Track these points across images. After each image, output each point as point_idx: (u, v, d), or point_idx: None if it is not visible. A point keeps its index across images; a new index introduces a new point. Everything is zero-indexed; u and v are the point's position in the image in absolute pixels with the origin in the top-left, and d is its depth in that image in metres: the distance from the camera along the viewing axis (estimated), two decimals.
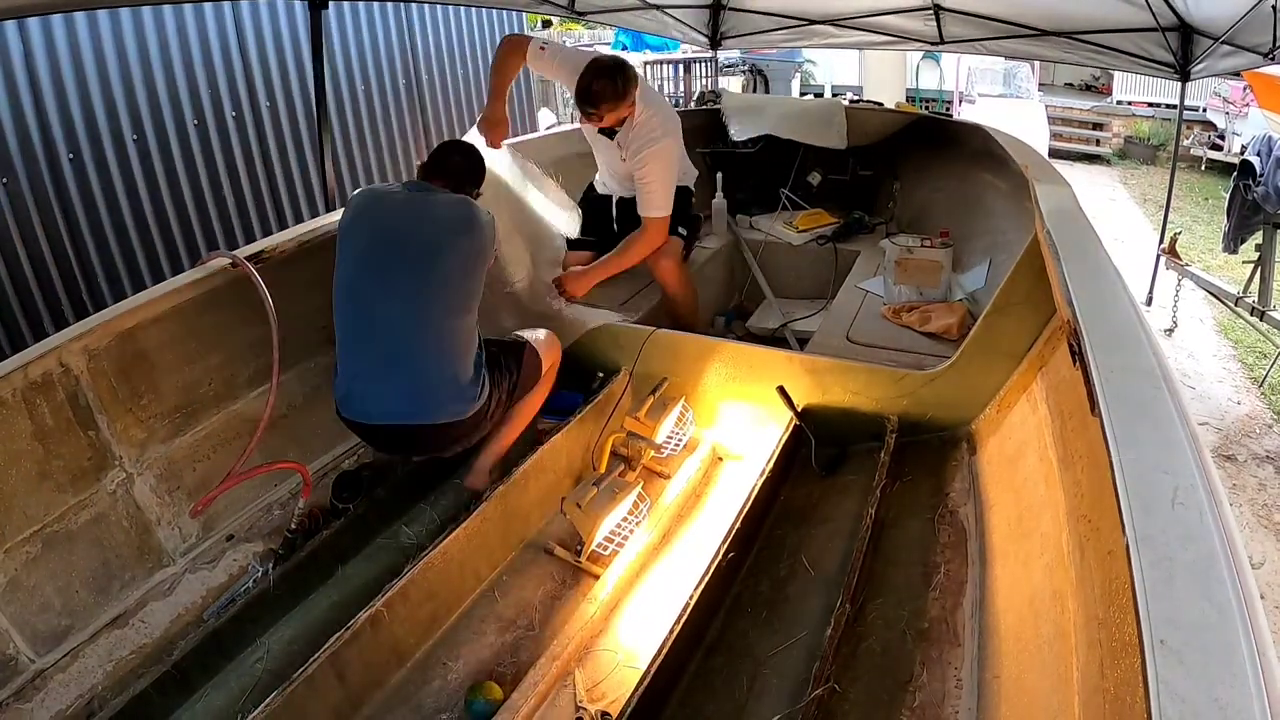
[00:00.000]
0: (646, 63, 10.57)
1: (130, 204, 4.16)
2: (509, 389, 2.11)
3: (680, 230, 2.93)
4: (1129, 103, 11.73)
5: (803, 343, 2.83)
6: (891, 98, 8.27)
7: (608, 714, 1.56)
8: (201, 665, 1.71)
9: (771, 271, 3.52)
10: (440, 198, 2.02)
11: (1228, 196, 4.92)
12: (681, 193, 2.90)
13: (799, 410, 2.28)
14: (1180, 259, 5.05)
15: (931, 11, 5.19)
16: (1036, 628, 1.30)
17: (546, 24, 12.85)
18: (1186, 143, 9.76)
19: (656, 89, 10.62)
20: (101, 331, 1.82)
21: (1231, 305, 4.63)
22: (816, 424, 2.29)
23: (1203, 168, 10.01)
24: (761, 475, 2.01)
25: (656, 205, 2.71)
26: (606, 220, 3.01)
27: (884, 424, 2.19)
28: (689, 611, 1.58)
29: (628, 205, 2.94)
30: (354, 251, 1.95)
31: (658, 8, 5.62)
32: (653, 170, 2.68)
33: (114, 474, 1.86)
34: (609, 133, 2.74)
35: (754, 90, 10.86)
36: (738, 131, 3.93)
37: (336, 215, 2.40)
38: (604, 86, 2.49)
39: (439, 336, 1.93)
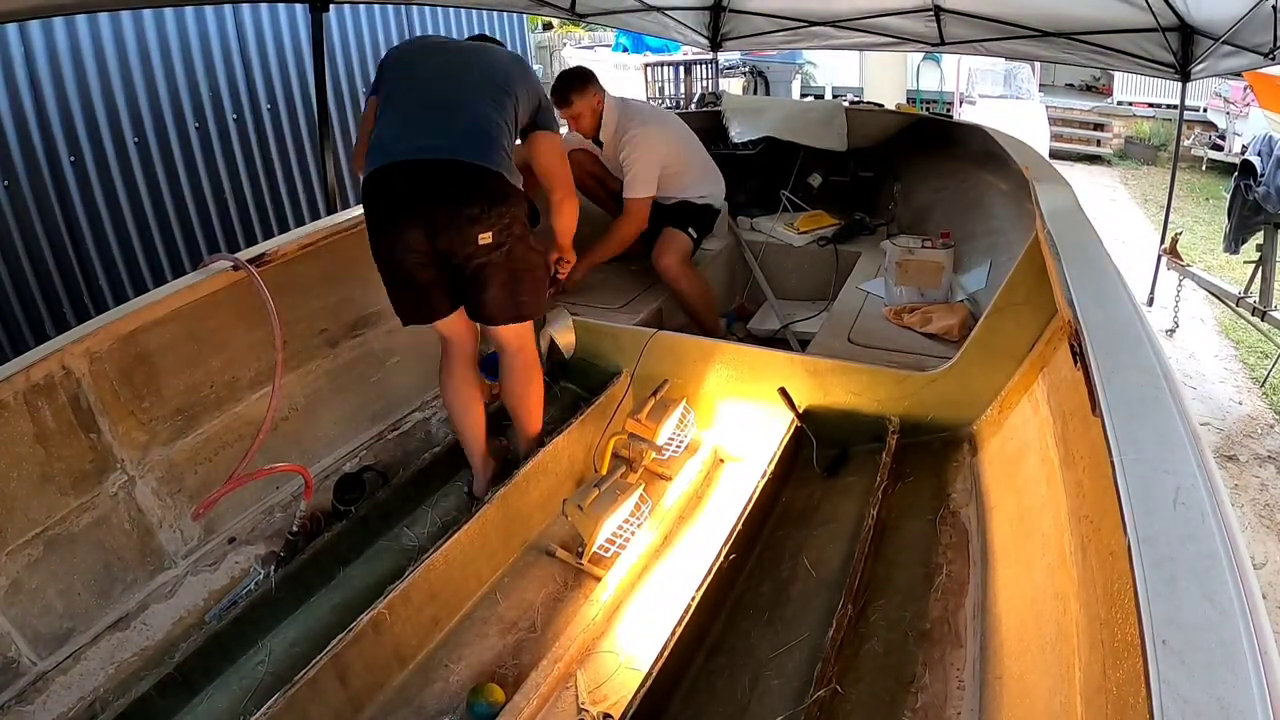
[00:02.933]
0: (647, 64, 10.59)
1: (131, 206, 4.17)
2: (528, 234, 2.04)
3: (691, 231, 3.03)
4: (1129, 103, 11.74)
5: (804, 344, 2.83)
6: (892, 99, 8.27)
7: (610, 716, 1.56)
8: (203, 667, 1.71)
9: (772, 273, 3.52)
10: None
11: (1228, 197, 4.91)
12: (706, 211, 3.13)
13: (800, 411, 2.28)
14: (1181, 259, 5.05)
15: (932, 13, 5.20)
16: (1038, 628, 1.30)
17: (547, 26, 12.87)
18: (1187, 143, 9.76)
19: (657, 90, 10.66)
20: (103, 334, 1.82)
21: (1233, 305, 4.62)
22: (818, 425, 2.29)
23: (1203, 168, 10.01)
24: (763, 477, 2.01)
25: (636, 187, 2.88)
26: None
27: (885, 425, 2.18)
28: (691, 613, 1.58)
29: (658, 207, 3.04)
30: (402, 70, 2.05)
31: (658, 9, 5.63)
32: (633, 154, 2.87)
33: (116, 477, 1.86)
34: (598, 142, 2.97)
35: (754, 92, 10.87)
36: (738, 133, 3.93)
37: (337, 217, 2.41)
38: (561, 83, 2.86)
39: (486, 115, 1.96)
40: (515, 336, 2.11)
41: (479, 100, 1.97)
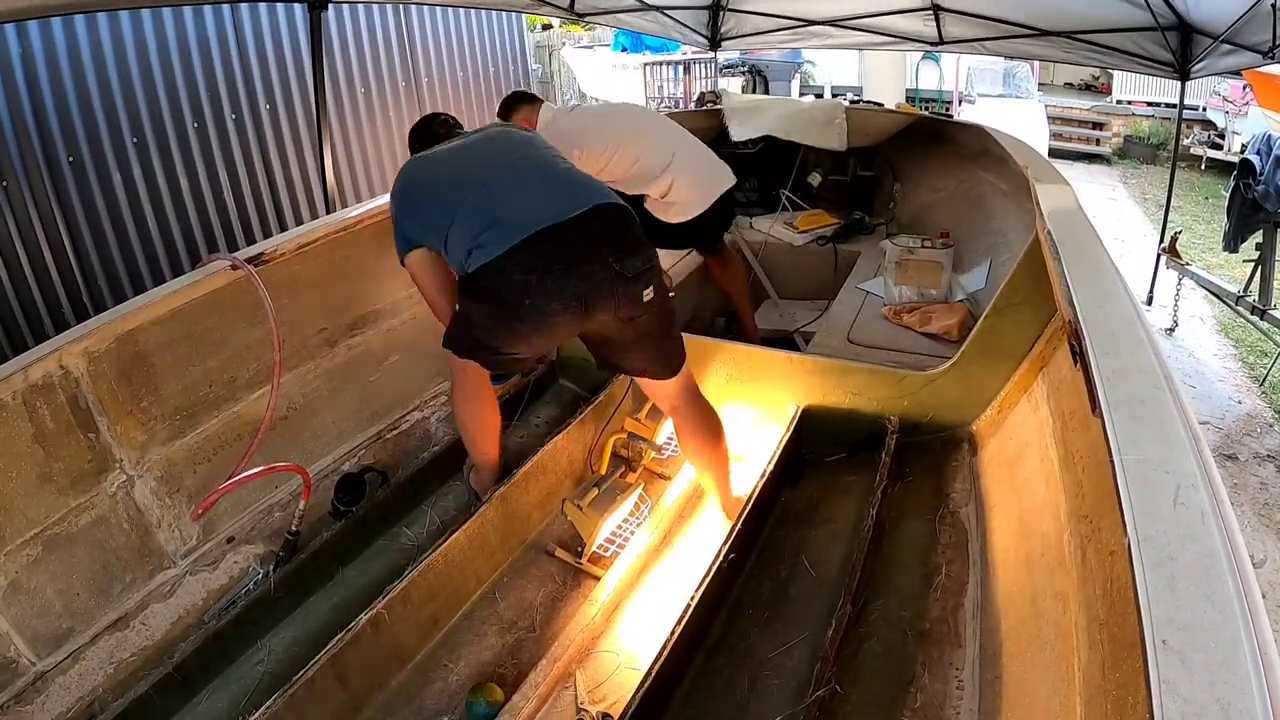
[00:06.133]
0: (646, 64, 10.59)
1: (130, 206, 4.17)
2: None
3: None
4: (1129, 102, 11.71)
5: (804, 343, 2.83)
6: (891, 98, 8.26)
7: (609, 715, 1.56)
8: (202, 667, 1.71)
9: (772, 272, 3.52)
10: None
11: (1228, 195, 4.91)
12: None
13: (799, 410, 2.28)
14: (1180, 258, 5.05)
15: (931, 12, 5.20)
16: (1038, 628, 1.29)
17: (546, 26, 12.86)
18: (1186, 142, 9.75)
19: (656, 90, 10.66)
20: (102, 334, 1.81)
21: (1232, 304, 4.62)
22: (817, 424, 2.29)
23: (1203, 167, 10.00)
24: (762, 477, 2.01)
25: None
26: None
27: (885, 425, 2.18)
28: (690, 613, 1.57)
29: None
30: (443, 185, 1.85)
31: (657, 9, 5.62)
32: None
33: (114, 476, 1.86)
34: None
35: (753, 91, 10.86)
36: (737, 132, 3.93)
37: (336, 216, 2.41)
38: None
39: (567, 164, 1.85)
40: (689, 381, 1.96)
41: (546, 150, 1.87)
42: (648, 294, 1.71)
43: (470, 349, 1.83)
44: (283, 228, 4.88)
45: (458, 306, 1.84)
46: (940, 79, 11.30)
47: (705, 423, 1.98)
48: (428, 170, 1.94)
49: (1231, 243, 4.90)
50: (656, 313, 1.77)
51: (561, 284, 1.63)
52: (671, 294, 1.87)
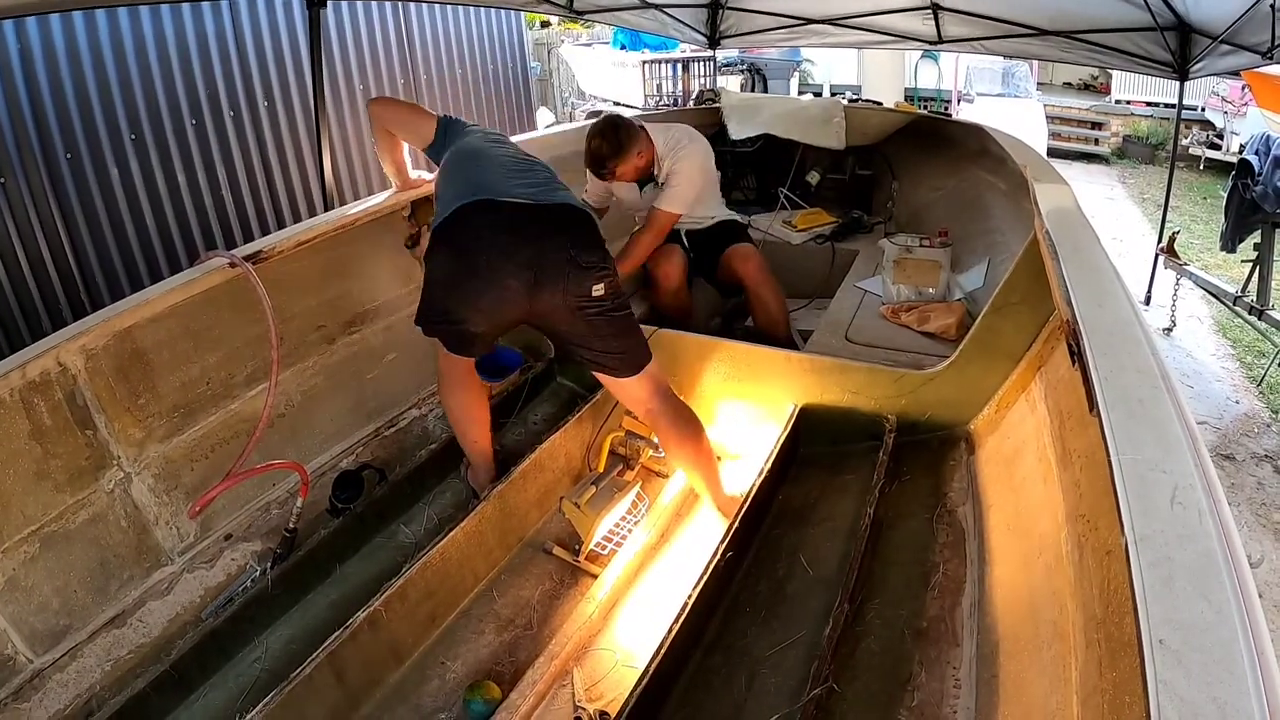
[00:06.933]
0: (645, 62, 10.57)
1: (128, 203, 4.16)
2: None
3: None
4: (1127, 102, 11.72)
5: (802, 341, 2.83)
6: (890, 97, 8.26)
7: (606, 713, 1.56)
8: (200, 665, 1.71)
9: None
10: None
11: (1226, 195, 4.91)
12: (739, 225, 3.12)
13: (797, 409, 2.28)
14: (1179, 258, 5.05)
15: (930, 11, 5.19)
16: (1035, 627, 1.30)
17: (545, 24, 12.85)
18: (1185, 142, 9.76)
19: (655, 88, 10.65)
20: (99, 331, 1.81)
21: (1230, 304, 4.63)
22: (815, 423, 2.29)
23: (1201, 167, 10.01)
24: (760, 475, 2.01)
25: (676, 200, 2.76)
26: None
27: (882, 424, 2.19)
28: (687, 611, 1.58)
29: (697, 235, 3.02)
30: (465, 148, 2.02)
31: (656, 7, 5.61)
32: (683, 170, 2.75)
33: (112, 473, 1.86)
34: (643, 182, 2.78)
35: (752, 89, 10.85)
36: (736, 130, 3.93)
37: (334, 214, 2.40)
38: (599, 145, 2.59)
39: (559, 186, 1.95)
40: (658, 377, 2.01)
41: (533, 159, 2.02)
42: (598, 289, 1.81)
43: (428, 317, 1.92)
44: (281, 225, 4.87)
45: (423, 275, 1.94)
46: (939, 78, 11.30)
47: (681, 423, 2.02)
48: (467, 144, 2.05)
49: (1229, 243, 4.90)
50: (609, 312, 1.87)
51: (516, 248, 1.76)
52: (625, 310, 1.94)
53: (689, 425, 2.03)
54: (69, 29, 3.80)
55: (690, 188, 2.78)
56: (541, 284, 1.78)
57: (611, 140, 2.58)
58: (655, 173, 2.78)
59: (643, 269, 2.89)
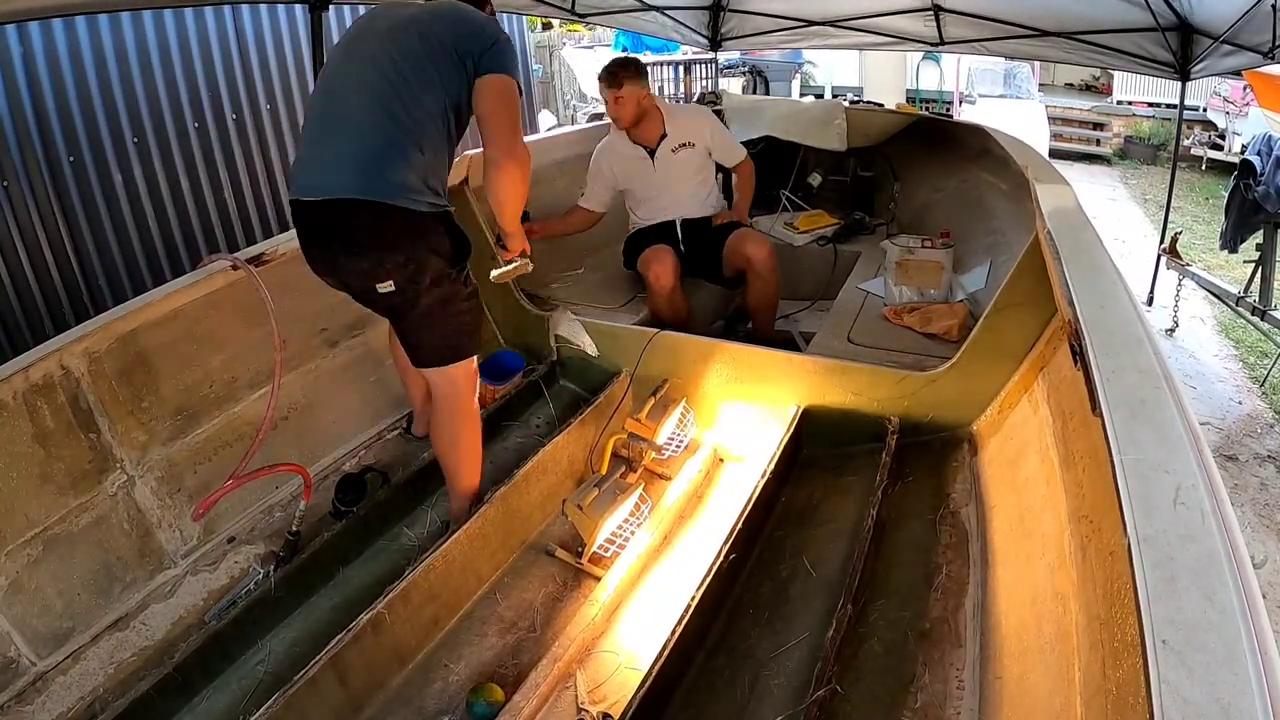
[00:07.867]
0: (647, 64, 10.56)
1: (130, 206, 4.16)
2: (445, 275, 1.83)
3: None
4: (1129, 102, 11.72)
5: (804, 343, 2.83)
6: (892, 99, 8.26)
7: (609, 715, 1.56)
8: (203, 667, 1.71)
9: None
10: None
11: (1228, 196, 4.91)
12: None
13: (800, 410, 2.28)
14: (1181, 259, 5.05)
15: (931, 12, 5.19)
16: (1038, 628, 1.30)
17: (547, 25, 12.85)
18: (1187, 142, 9.76)
19: (656, 90, 10.66)
20: (102, 334, 1.82)
21: (1232, 305, 4.62)
22: (818, 424, 2.29)
23: (1203, 167, 10.00)
24: (763, 477, 2.01)
25: (739, 150, 3.17)
26: (674, 246, 2.98)
27: (885, 425, 2.19)
28: (690, 613, 1.58)
29: (692, 226, 3.05)
30: (331, 65, 1.86)
31: (658, 9, 5.62)
32: (718, 130, 3.13)
33: (115, 476, 1.86)
34: (652, 151, 2.98)
35: (754, 91, 10.86)
36: (738, 132, 3.93)
37: None
38: (617, 67, 2.90)
39: (400, 125, 1.71)
40: (442, 380, 1.92)
41: (390, 95, 1.71)
42: (384, 287, 1.78)
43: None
44: (283, 228, 4.87)
45: None
46: (941, 79, 11.31)
47: (441, 421, 1.98)
48: (351, 34, 1.88)
49: (1230, 242, 4.90)
50: (400, 305, 1.83)
51: (314, 251, 1.86)
52: (453, 293, 1.87)
53: (445, 429, 1.98)
54: (71, 32, 3.81)
55: (733, 136, 3.21)
56: (337, 274, 1.86)
57: (635, 63, 2.94)
58: (665, 131, 2.98)
59: (637, 273, 2.90)
